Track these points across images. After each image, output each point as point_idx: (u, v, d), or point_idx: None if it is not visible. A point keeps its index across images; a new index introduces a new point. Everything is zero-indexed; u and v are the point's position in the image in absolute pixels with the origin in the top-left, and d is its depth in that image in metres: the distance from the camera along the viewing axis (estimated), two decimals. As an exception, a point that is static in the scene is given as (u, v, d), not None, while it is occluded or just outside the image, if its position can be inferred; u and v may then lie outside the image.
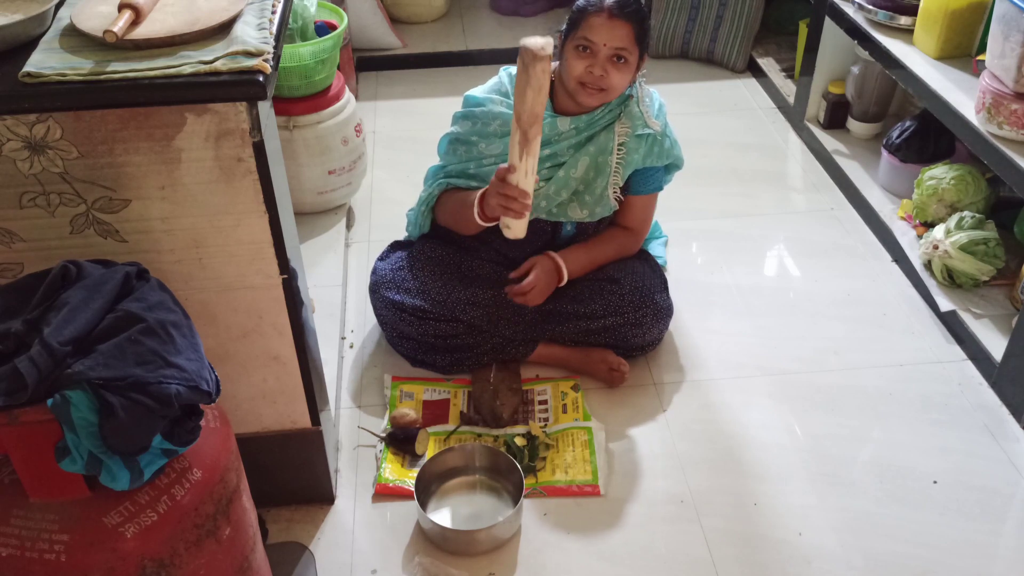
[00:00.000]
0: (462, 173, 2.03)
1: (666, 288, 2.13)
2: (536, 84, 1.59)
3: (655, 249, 2.27)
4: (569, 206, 2.02)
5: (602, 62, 1.87)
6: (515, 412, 1.99)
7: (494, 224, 1.85)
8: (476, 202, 1.85)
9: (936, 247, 2.25)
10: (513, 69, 2.04)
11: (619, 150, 1.97)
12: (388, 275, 2.08)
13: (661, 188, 2.10)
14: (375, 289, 2.11)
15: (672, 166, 2.11)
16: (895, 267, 2.45)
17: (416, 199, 2.16)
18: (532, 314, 2.03)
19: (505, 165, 1.71)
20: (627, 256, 2.12)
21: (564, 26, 1.94)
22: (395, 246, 2.19)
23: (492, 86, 2.06)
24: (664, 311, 2.07)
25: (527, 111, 1.61)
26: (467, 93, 2.07)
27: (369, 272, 2.17)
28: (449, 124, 2.09)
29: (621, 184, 2.01)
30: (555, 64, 1.98)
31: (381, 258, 2.17)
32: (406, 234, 2.24)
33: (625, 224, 2.10)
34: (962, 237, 2.21)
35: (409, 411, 1.96)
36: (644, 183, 2.05)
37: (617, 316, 2.02)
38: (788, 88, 3.23)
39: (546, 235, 2.07)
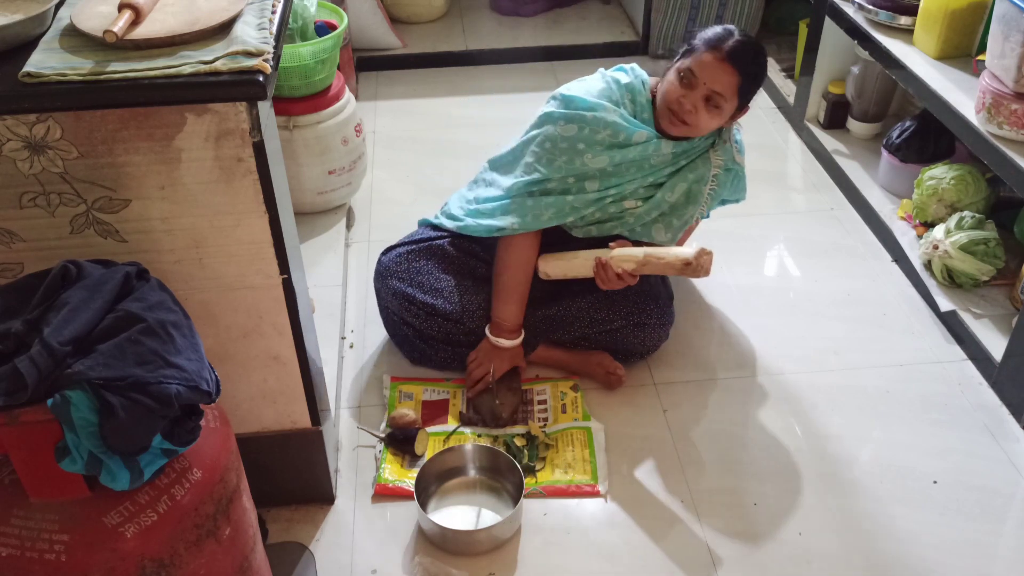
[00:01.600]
0: (562, 183, 1.93)
1: (671, 298, 2.14)
2: (664, 273, 1.88)
3: None
4: (654, 227, 2.00)
5: (696, 98, 1.85)
6: (515, 412, 1.99)
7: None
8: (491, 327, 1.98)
9: (936, 247, 2.25)
10: (618, 75, 1.99)
11: (712, 181, 1.99)
12: (400, 264, 2.06)
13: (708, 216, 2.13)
14: (383, 275, 2.07)
15: (739, 200, 2.16)
16: (895, 267, 2.45)
17: (456, 193, 2.15)
18: (534, 320, 2.04)
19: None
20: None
21: (684, 46, 1.92)
22: (404, 242, 2.14)
23: (600, 92, 1.94)
24: (666, 318, 2.07)
25: (646, 271, 1.86)
26: (566, 93, 1.95)
27: (369, 272, 2.16)
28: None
29: (708, 214, 2.07)
30: (656, 80, 1.98)
31: (392, 245, 2.13)
32: (437, 217, 2.14)
33: (662, 242, 2.03)
34: (962, 237, 2.21)
35: (408, 411, 1.96)
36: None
37: (621, 320, 2.02)
38: (788, 88, 3.23)
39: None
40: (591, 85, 1.97)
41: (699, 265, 1.81)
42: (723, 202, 2.12)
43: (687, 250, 1.83)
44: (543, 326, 2.05)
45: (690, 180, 1.97)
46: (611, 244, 1.92)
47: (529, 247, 1.98)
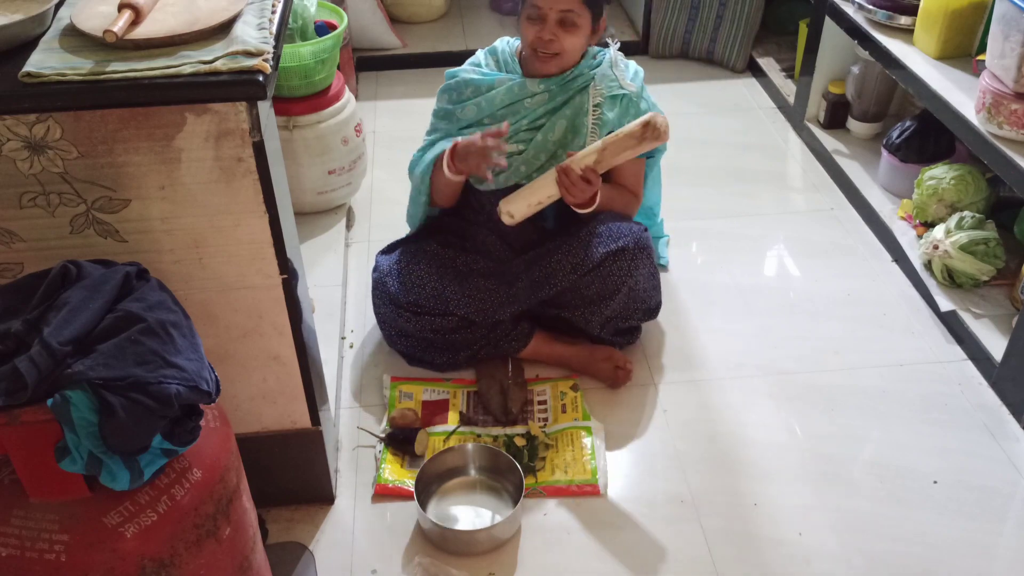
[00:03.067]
0: (443, 141, 2.05)
1: (645, 230, 2.06)
2: (636, 151, 1.86)
3: (659, 249, 2.27)
4: (547, 169, 2.01)
5: (551, 27, 1.93)
6: (524, 407, 1.99)
7: (462, 178, 1.97)
8: (447, 155, 1.94)
9: (936, 247, 2.25)
10: (496, 45, 2.13)
11: (594, 111, 2.01)
12: (387, 272, 2.08)
13: (652, 156, 2.12)
14: (377, 286, 2.10)
15: None
16: (895, 267, 2.45)
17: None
18: (522, 289, 2.00)
19: (491, 129, 1.86)
20: (627, 214, 2.10)
21: None
22: (394, 245, 2.18)
23: (468, 62, 2.12)
24: (642, 239, 2.00)
25: (610, 158, 1.85)
26: (447, 70, 2.13)
27: (369, 272, 2.17)
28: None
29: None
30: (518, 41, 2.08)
31: (383, 253, 2.16)
32: (408, 230, 2.24)
33: (620, 182, 2.09)
34: (962, 237, 2.21)
35: (408, 411, 1.96)
36: None
37: (600, 250, 1.96)
38: (788, 88, 3.23)
39: (533, 230, 2.09)
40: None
41: (656, 124, 1.83)
42: (651, 155, 2.12)
43: (640, 118, 1.86)
44: (530, 293, 2.01)
45: (568, 116, 2.01)
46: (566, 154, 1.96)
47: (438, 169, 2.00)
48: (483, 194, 2.08)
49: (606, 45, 2.07)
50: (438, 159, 2.00)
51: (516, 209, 1.95)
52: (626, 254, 1.96)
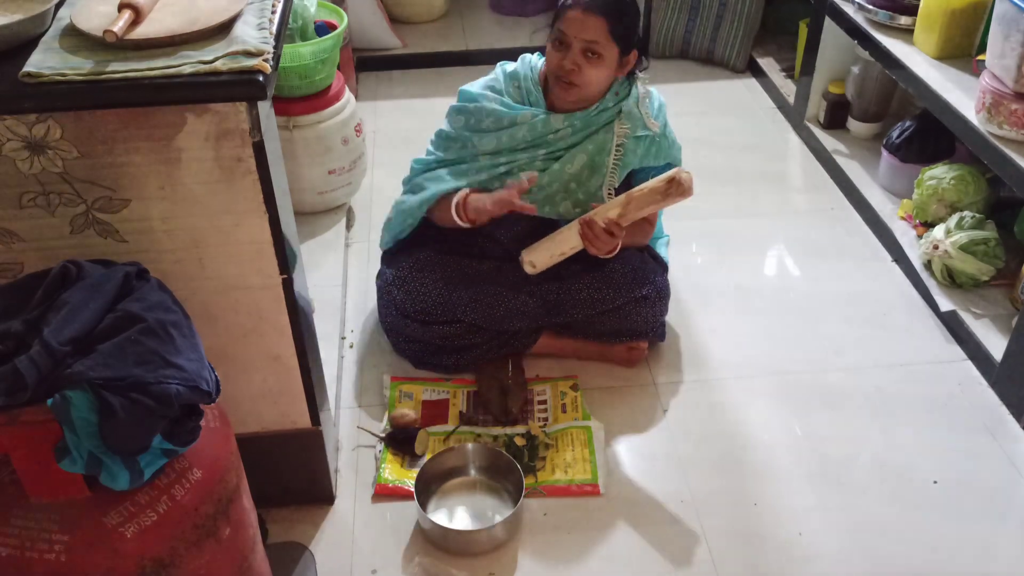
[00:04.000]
0: (455, 168, 2.03)
1: (666, 269, 2.15)
2: (660, 206, 1.87)
3: (659, 249, 2.27)
4: (562, 204, 2.01)
5: (574, 56, 1.88)
6: (524, 407, 1.99)
7: (470, 225, 1.94)
8: (457, 204, 1.91)
9: (936, 247, 2.25)
10: (510, 65, 2.07)
11: (617, 151, 1.98)
12: (392, 281, 2.07)
13: None
14: (382, 295, 2.11)
15: (669, 166, 2.07)
16: (895, 267, 2.45)
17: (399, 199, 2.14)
18: (535, 307, 2.02)
19: (513, 192, 1.82)
20: (643, 242, 2.11)
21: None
22: (396, 251, 2.14)
23: (487, 82, 2.06)
24: (664, 290, 2.08)
25: (634, 212, 1.84)
26: (462, 87, 2.07)
27: (370, 272, 2.17)
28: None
29: (617, 185, 2.01)
30: (542, 61, 2.02)
31: (386, 260, 2.15)
32: (387, 242, 2.15)
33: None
34: (962, 237, 2.21)
35: (408, 411, 1.96)
36: (645, 180, 2.02)
37: (622, 296, 2.00)
38: (788, 88, 3.23)
39: (540, 230, 2.06)
40: (485, 78, 2.08)
41: (681, 181, 1.83)
42: (666, 168, 2.05)
43: (665, 174, 1.85)
44: (542, 314, 2.03)
45: (590, 151, 1.97)
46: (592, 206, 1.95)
47: (445, 205, 1.98)
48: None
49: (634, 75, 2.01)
50: (445, 198, 1.96)
51: (539, 260, 1.96)
52: (647, 302, 2.02)
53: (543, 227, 2.05)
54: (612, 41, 1.88)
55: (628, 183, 2.03)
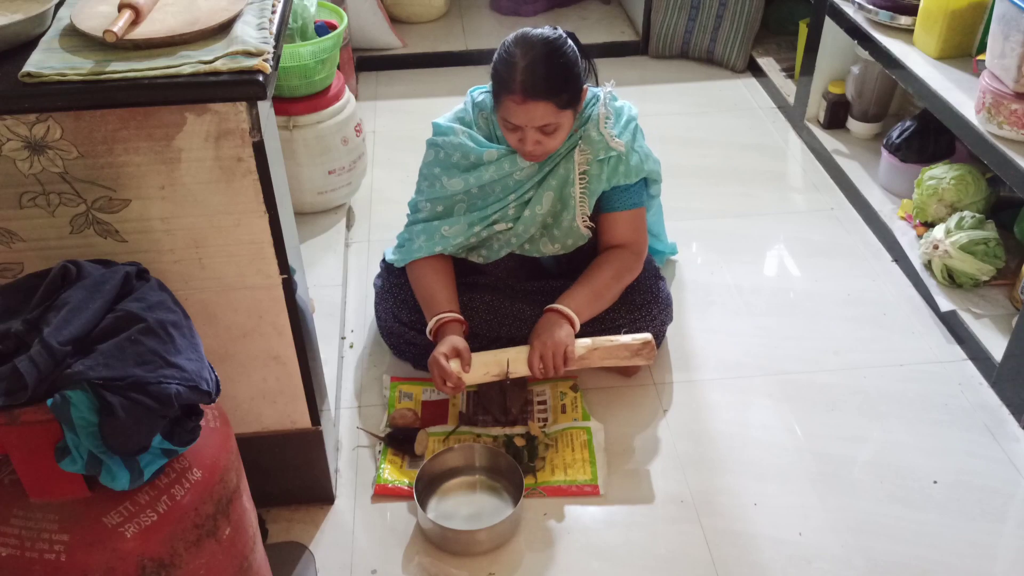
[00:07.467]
0: (432, 210, 1.99)
1: (661, 277, 2.10)
2: (623, 362, 1.91)
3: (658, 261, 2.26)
4: (540, 241, 2.00)
5: (532, 136, 1.81)
6: (523, 407, 1.99)
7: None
8: (432, 331, 1.90)
9: (936, 247, 2.25)
10: (477, 92, 2.00)
11: (581, 180, 1.93)
12: (388, 290, 2.07)
13: (642, 203, 2.00)
14: (380, 302, 2.11)
15: (649, 180, 2.05)
16: (895, 267, 2.45)
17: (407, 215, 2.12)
18: (531, 315, 2.02)
19: (452, 386, 1.81)
20: (632, 277, 2.00)
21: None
22: (392, 263, 2.11)
23: (457, 113, 2.00)
24: (667, 316, 2.08)
25: (596, 360, 1.89)
26: (434, 120, 2.00)
27: (369, 272, 2.17)
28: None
29: (589, 212, 1.97)
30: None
31: (382, 270, 2.14)
32: (391, 256, 2.08)
33: (615, 243, 1.99)
34: (962, 237, 2.21)
35: (408, 411, 1.96)
36: (620, 200, 1.97)
37: (622, 318, 2.01)
38: (788, 88, 3.23)
39: (531, 262, 2.08)
40: (455, 108, 2.01)
41: (653, 347, 1.91)
42: (646, 183, 2.03)
43: (641, 336, 1.90)
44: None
45: (555, 187, 1.92)
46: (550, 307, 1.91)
47: (430, 263, 1.97)
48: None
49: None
50: (427, 302, 1.94)
51: (471, 376, 1.86)
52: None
53: (528, 263, 2.06)
54: (563, 111, 1.80)
55: (604, 204, 1.98)
